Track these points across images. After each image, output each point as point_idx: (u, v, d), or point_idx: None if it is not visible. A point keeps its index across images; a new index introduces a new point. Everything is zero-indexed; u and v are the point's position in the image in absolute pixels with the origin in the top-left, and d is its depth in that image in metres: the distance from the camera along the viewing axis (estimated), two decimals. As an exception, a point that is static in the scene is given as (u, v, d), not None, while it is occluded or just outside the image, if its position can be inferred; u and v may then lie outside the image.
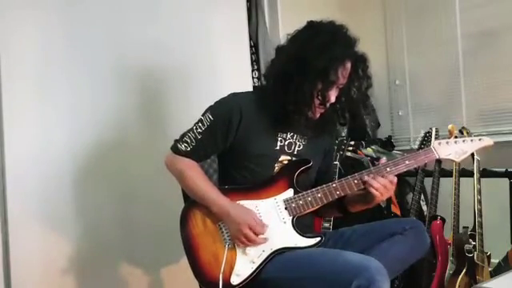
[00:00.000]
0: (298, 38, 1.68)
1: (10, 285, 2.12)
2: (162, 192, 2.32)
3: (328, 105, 1.66)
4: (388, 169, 1.64)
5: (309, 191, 1.65)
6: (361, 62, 1.67)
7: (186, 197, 1.77)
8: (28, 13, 2.21)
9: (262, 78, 2.13)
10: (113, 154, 2.42)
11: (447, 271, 2.32)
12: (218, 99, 1.74)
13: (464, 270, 2.27)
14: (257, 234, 1.59)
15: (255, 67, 3.22)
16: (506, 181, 2.56)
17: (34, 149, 2.21)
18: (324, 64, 1.58)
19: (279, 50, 1.73)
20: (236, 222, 1.59)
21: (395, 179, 1.62)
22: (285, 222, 1.63)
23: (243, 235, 1.58)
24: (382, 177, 1.60)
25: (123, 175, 2.44)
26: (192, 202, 1.71)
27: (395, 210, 3.05)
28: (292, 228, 1.63)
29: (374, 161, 3.13)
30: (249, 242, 1.59)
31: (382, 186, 1.60)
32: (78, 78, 2.34)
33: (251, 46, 3.19)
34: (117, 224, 2.41)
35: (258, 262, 1.59)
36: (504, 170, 2.58)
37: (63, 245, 2.27)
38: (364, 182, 1.61)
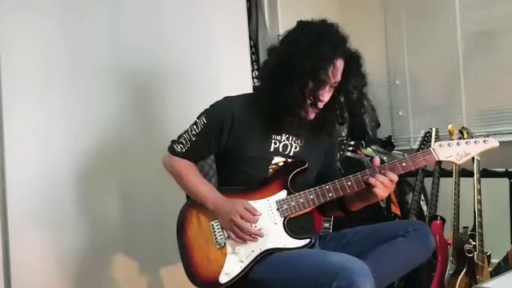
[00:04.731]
0: (287, 38, 1.67)
1: (10, 285, 2.12)
2: (161, 192, 2.32)
3: (321, 105, 1.64)
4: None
5: (301, 193, 1.64)
6: (354, 59, 1.65)
7: (188, 197, 1.78)
8: (28, 16, 2.20)
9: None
10: (112, 154, 2.41)
11: (447, 271, 2.31)
12: (212, 103, 1.75)
13: (464, 270, 2.27)
14: (249, 222, 1.59)
15: (255, 67, 3.21)
16: (506, 181, 2.56)
17: (33, 149, 2.20)
18: (313, 64, 1.56)
19: (270, 51, 1.72)
20: (226, 210, 1.60)
21: (396, 178, 1.59)
22: (276, 223, 1.63)
23: (235, 224, 1.58)
24: (383, 175, 1.59)
25: (123, 175, 2.44)
26: (189, 203, 1.73)
27: (395, 210, 3.05)
28: (282, 229, 1.62)
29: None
30: (242, 232, 1.58)
31: (381, 183, 1.58)
32: (78, 79, 2.34)
33: (251, 46, 3.19)
34: (117, 224, 2.41)
35: (247, 261, 1.60)
36: (504, 169, 2.58)
37: (63, 245, 2.26)
38: (365, 183, 1.60)
